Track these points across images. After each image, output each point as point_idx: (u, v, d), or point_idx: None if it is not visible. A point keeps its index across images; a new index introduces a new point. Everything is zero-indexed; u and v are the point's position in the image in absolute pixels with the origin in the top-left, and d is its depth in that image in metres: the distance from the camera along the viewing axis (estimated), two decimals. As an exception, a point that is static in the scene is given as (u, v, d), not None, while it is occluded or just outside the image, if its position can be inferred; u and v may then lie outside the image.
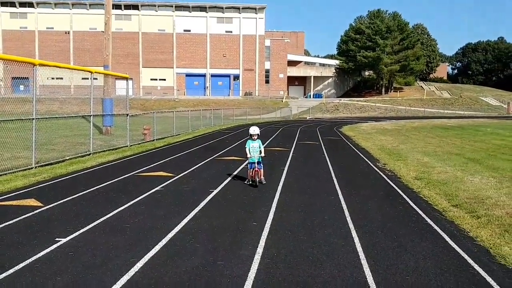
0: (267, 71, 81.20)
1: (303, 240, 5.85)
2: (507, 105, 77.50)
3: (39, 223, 6.49)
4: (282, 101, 72.13)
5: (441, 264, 5.01)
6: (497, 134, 26.86)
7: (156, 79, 78.27)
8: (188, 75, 78.91)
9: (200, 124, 30.57)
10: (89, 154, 14.33)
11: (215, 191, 8.93)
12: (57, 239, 5.69)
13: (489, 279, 4.63)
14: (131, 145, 17.49)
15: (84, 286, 4.28)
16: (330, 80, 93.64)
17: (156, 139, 20.35)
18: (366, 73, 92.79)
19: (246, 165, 10.02)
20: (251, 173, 9.52)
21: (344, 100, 75.76)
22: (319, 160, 14.52)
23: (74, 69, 15.44)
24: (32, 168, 11.23)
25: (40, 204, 7.56)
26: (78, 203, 7.79)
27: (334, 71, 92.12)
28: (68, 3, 75.96)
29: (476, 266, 4.97)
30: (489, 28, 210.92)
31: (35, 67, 11.52)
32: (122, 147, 16.85)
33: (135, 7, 77.18)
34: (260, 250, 5.40)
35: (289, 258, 5.14)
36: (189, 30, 78.26)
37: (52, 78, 13.53)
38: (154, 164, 12.72)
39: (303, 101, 75.39)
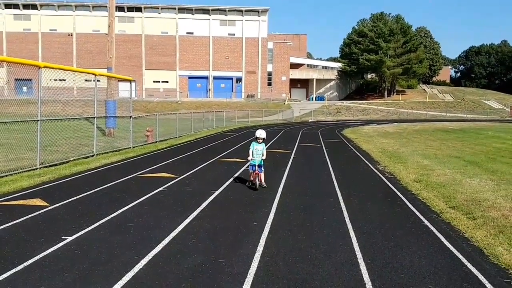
0: (269, 73, 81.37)
1: (302, 239, 6.01)
2: (509, 108, 77.50)
3: (45, 222, 6.67)
4: (284, 103, 72.22)
5: (435, 263, 5.17)
6: (498, 137, 26.95)
7: (159, 81, 78.50)
8: (190, 77, 79.13)
9: (202, 126, 30.69)
10: (93, 156, 14.51)
11: (217, 192, 9.11)
12: (63, 237, 5.87)
13: (481, 277, 4.79)
14: (134, 147, 17.68)
15: (91, 282, 4.45)
16: (332, 83, 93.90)
17: (159, 141, 20.52)
18: (369, 76, 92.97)
19: (247, 167, 10.16)
20: (252, 175, 9.68)
21: (346, 103, 75.80)
22: (320, 162, 14.67)
23: (78, 72, 15.63)
24: (36, 169, 11.42)
25: (46, 204, 7.74)
26: (83, 203, 7.97)
27: (337, 74, 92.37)
28: (71, 5, 76.35)
29: (469, 265, 5.13)
30: (492, 32, 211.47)
31: (40, 69, 11.71)
32: (125, 148, 17.03)
33: (138, 9, 77.52)
34: (260, 249, 5.56)
35: (288, 256, 5.30)
36: (192, 33, 78.52)
37: (55, 80, 13.66)
38: (157, 166, 12.89)
39: (305, 103, 75.48)
